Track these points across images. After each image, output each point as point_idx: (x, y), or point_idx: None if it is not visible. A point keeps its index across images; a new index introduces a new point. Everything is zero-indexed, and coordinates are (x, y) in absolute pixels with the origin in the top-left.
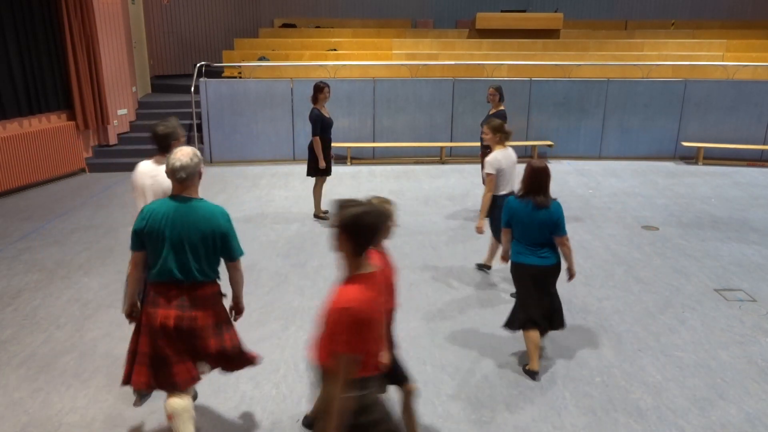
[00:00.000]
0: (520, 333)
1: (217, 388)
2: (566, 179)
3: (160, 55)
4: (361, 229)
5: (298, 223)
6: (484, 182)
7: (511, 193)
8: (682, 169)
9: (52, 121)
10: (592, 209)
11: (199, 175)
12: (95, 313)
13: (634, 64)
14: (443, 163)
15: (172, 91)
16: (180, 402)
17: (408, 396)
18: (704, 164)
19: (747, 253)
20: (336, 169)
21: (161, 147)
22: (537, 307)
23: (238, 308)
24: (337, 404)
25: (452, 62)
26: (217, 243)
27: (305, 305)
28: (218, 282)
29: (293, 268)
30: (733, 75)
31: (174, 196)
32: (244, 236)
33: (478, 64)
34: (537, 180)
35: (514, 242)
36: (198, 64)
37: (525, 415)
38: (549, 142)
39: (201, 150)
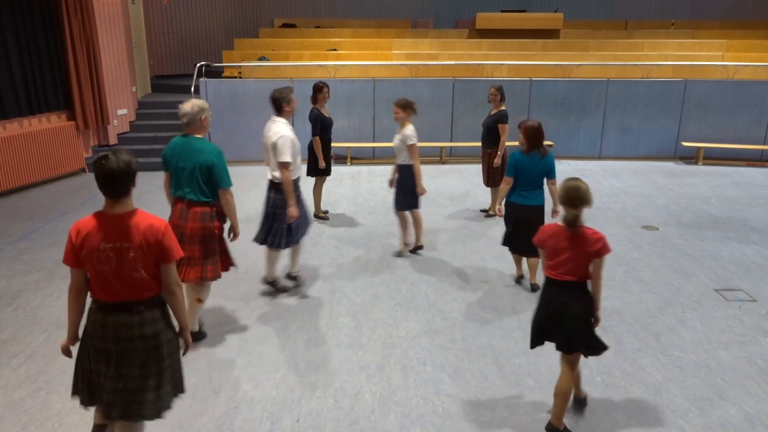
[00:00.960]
0: (520, 337)
1: (217, 388)
2: None
3: (160, 55)
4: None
5: None
6: (409, 156)
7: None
8: (682, 169)
9: (52, 121)
10: (592, 209)
11: (201, 121)
12: None
13: (634, 64)
14: (443, 163)
15: (172, 91)
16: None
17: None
18: (704, 164)
19: (747, 253)
20: (336, 169)
21: (276, 108)
22: (513, 238)
23: (233, 231)
24: (180, 305)
25: (452, 62)
26: (204, 173)
27: (305, 305)
28: (211, 204)
29: None
30: (733, 75)
31: (182, 135)
32: (244, 236)
33: (478, 64)
34: (539, 135)
35: (513, 188)
36: (198, 64)
37: (525, 415)
38: (549, 142)
39: None
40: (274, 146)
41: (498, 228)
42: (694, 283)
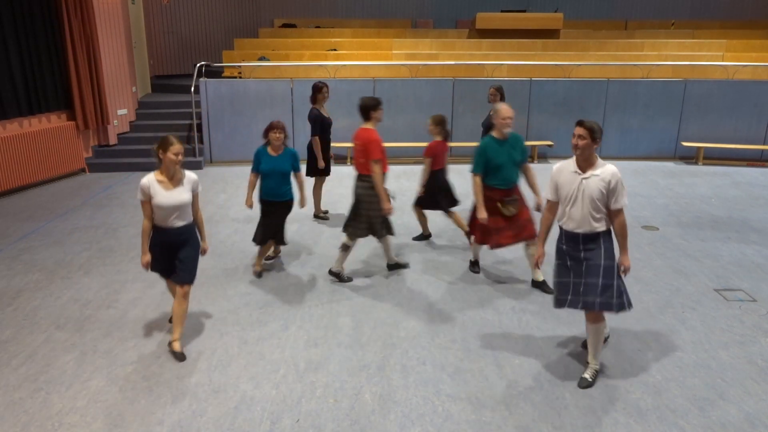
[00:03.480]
0: (520, 337)
1: (217, 388)
2: None
3: (160, 55)
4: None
5: (298, 223)
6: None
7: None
8: (682, 169)
9: (52, 121)
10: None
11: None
12: (95, 313)
13: (634, 64)
14: None
15: (172, 91)
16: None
17: None
18: (704, 164)
19: (747, 253)
20: (336, 169)
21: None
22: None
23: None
24: (377, 180)
25: (452, 62)
26: None
27: (305, 305)
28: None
29: (293, 269)
30: (733, 75)
31: None
32: (245, 236)
33: (478, 64)
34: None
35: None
36: (198, 64)
37: (525, 415)
38: (549, 142)
39: (201, 150)
40: None
41: None
42: (694, 283)
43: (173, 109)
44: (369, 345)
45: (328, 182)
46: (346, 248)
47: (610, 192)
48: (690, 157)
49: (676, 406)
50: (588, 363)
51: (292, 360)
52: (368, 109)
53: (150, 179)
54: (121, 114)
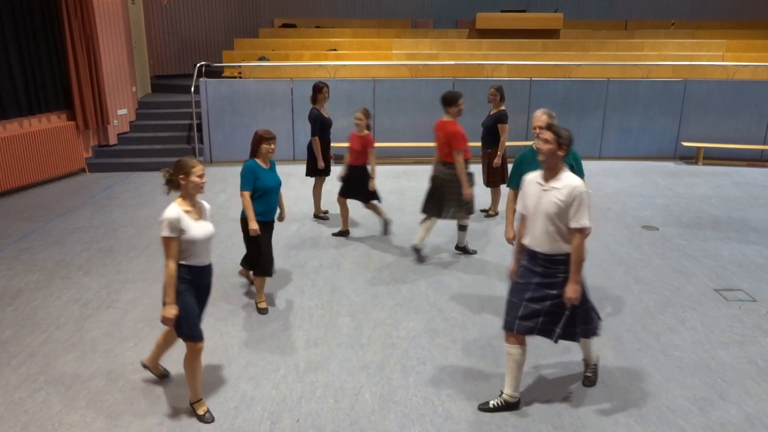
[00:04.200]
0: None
1: (217, 388)
2: None
3: (160, 55)
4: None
5: (298, 223)
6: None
7: None
8: (682, 169)
9: (52, 121)
10: (592, 209)
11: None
12: (95, 313)
13: (634, 64)
14: None
15: (172, 91)
16: None
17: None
18: (704, 164)
19: (747, 253)
20: (336, 169)
21: None
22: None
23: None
24: (460, 168)
25: (452, 62)
26: None
27: (305, 305)
28: None
29: (293, 268)
30: (733, 75)
31: None
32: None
33: (478, 64)
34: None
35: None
36: (198, 64)
37: (525, 415)
38: None
39: (201, 150)
40: None
41: (499, 228)
42: (694, 283)
43: (173, 109)
44: (369, 345)
45: (328, 182)
46: (463, 228)
47: (567, 208)
48: (690, 157)
49: (676, 406)
50: (584, 361)
51: (292, 360)
52: (445, 103)
53: (178, 212)
54: (121, 114)
